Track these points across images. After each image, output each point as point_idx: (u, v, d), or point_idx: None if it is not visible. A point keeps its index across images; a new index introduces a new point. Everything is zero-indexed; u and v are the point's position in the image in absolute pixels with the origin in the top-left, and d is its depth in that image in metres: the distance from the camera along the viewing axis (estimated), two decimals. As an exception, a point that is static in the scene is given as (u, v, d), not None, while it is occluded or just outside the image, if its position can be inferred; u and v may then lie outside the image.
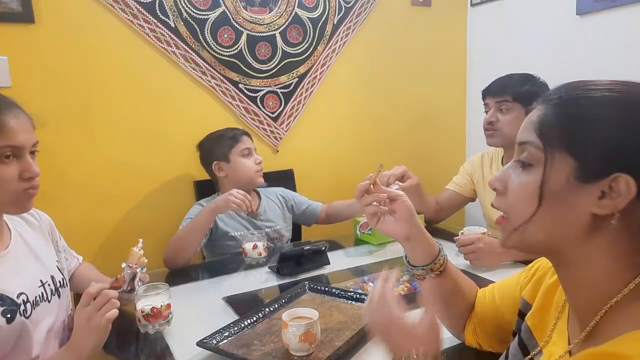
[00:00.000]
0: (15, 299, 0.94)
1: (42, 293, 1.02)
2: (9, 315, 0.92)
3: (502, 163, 1.74)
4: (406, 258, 0.90)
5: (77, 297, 1.28)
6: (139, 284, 1.08)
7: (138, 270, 1.07)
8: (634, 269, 0.53)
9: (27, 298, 0.97)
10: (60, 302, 1.08)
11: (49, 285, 1.05)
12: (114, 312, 0.92)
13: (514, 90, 1.58)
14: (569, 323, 0.62)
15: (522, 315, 0.75)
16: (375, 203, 0.86)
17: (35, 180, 0.97)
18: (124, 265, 1.07)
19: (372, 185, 0.86)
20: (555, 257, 0.60)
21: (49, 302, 1.03)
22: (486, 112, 1.66)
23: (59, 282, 1.10)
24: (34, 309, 0.98)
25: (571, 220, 0.54)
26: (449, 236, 1.63)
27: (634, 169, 0.50)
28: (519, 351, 0.71)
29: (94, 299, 0.92)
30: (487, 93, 1.66)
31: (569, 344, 0.60)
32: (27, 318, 0.96)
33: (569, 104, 0.55)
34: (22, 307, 0.95)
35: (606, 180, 0.51)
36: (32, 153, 0.99)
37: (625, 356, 0.46)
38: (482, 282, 1.15)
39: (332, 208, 1.89)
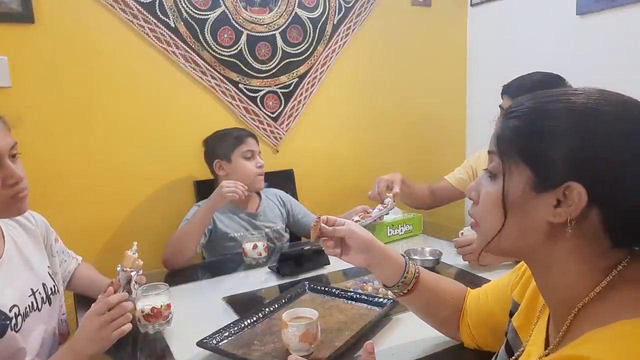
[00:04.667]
0: (8, 313, 0.92)
1: (32, 302, 1.01)
2: (0, 330, 0.90)
3: None
4: (384, 288, 0.94)
5: (77, 298, 1.28)
6: (135, 286, 1.07)
7: (133, 273, 1.06)
8: (601, 272, 0.54)
9: (19, 311, 0.95)
10: (50, 310, 1.07)
11: (39, 293, 1.04)
12: (128, 327, 0.90)
13: None
14: (549, 323, 0.63)
15: (511, 315, 0.76)
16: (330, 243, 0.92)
17: (21, 184, 0.93)
18: (118, 268, 1.07)
19: (320, 230, 0.92)
20: (527, 261, 0.62)
21: (39, 310, 1.02)
22: (501, 112, 1.62)
23: (50, 289, 1.08)
24: (25, 320, 0.97)
25: (533, 229, 0.56)
26: (449, 236, 1.64)
27: (585, 178, 0.51)
28: (505, 352, 0.71)
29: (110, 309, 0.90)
30: (505, 92, 1.59)
31: (546, 344, 0.60)
32: (17, 331, 0.94)
33: (524, 116, 0.57)
34: (13, 321, 0.93)
35: (560, 189, 0.53)
36: (14, 156, 0.94)
37: (583, 357, 0.47)
38: (481, 282, 1.14)
39: None
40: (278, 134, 2.14)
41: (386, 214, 1.63)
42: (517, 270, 0.80)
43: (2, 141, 0.91)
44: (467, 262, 1.38)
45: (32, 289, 1.02)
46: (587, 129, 0.52)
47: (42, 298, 1.04)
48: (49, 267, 1.13)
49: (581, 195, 0.51)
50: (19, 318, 0.95)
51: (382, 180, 1.70)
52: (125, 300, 1.03)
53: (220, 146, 1.75)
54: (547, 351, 0.58)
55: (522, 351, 0.66)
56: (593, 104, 0.53)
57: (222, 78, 1.98)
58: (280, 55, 2.08)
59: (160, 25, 1.84)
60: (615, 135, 0.51)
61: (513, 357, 0.67)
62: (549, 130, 0.53)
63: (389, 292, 0.92)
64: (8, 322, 0.92)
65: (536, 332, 0.64)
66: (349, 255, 0.91)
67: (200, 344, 0.94)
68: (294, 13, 2.08)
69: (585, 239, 0.54)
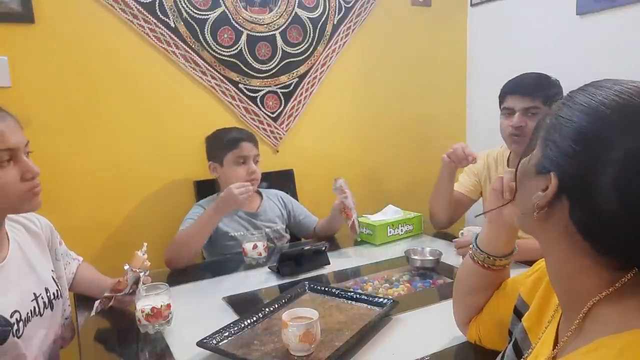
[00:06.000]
0: (9, 319, 0.92)
1: (35, 307, 1.00)
2: (2, 337, 0.89)
3: (507, 164, 1.65)
4: (475, 243, 0.89)
5: (77, 298, 1.28)
6: (142, 287, 1.08)
7: (141, 274, 1.07)
8: (590, 270, 0.53)
9: (20, 316, 0.95)
10: (52, 315, 1.06)
11: (42, 298, 1.03)
12: None
13: (544, 94, 1.47)
14: (560, 324, 0.63)
15: (517, 312, 0.76)
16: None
17: (36, 179, 0.98)
18: (127, 267, 1.07)
19: None
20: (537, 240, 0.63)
21: (41, 315, 1.02)
22: (506, 113, 1.55)
23: (53, 294, 1.08)
24: (26, 325, 0.96)
25: (527, 205, 0.58)
26: (449, 236, 1.64)
27: (561, 169, 0.53)
28: (513, 352, 0.71)
29: None
30: (511, 93, 1.54)
31: (555, 345, 0.60)
32: (19, 338, 0.93)
33: (559, 104, 0.58)
34: (15, 327, 0.92)
35: (549, 176, 0.54)
36: (26, 154, 0.99)
37: None
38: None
39: (319, 226, 1.85)
40: (278, 134, 2.14)
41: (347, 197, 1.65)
42: (531, 269, 0.80)
43: (17, 137, 0.95)
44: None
45: (34, 294, 1.02)
46: (582, 124, 0.52)
47: (45, 303, 1.04)
48: (53, 271, 1.12)
49: (553, 186, 0.54)
50: (20, 324, 0.95)
51: (467, 147, 1.59)
52: (130, 297, 1.03)
53: (214, 148, 1.73)
54: (555, 351, 0.58)
55: (531, 352, 0.66)
56: (604, 101, 0.52)
57: (222, 78, 1.98)
58: (280, 55, 2.08)
59: (160, 25, 1.84)
60: (605, 136, 0.50)
61: (522, 358, 0.67)
62: (561, 122, 0.55)
63: (479, 255, 0.87)
64: (10, 328, 0.91)
65: (547, 333, 0.64)
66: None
67: (200, 344, 0.94)
68: (294, 13, 2.08)
69: (564, 236, 0.54)
